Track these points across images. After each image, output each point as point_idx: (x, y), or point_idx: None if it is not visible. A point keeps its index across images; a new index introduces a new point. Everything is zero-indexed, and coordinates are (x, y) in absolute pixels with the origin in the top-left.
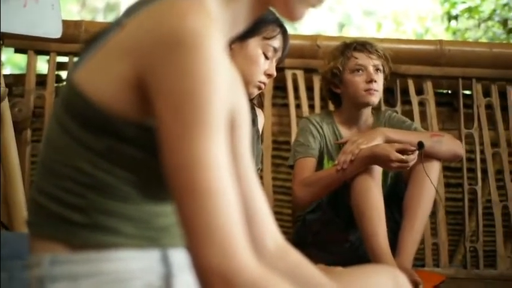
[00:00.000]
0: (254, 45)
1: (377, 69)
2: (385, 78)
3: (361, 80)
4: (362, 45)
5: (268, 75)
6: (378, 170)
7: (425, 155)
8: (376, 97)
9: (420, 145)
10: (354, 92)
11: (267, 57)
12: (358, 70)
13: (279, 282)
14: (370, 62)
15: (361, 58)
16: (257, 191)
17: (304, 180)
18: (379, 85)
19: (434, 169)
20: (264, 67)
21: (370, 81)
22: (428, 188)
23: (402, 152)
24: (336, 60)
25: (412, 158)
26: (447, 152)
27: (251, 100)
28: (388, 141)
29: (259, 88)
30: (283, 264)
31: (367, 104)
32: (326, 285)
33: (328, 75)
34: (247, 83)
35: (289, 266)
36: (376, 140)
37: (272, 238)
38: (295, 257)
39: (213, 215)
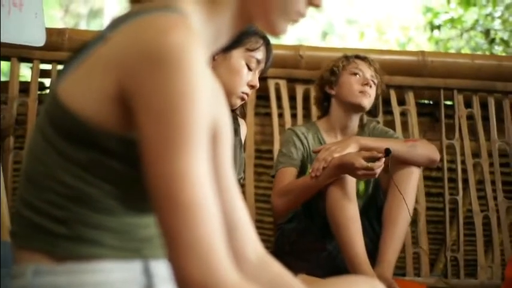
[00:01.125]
0: (237, 56)
1: (372, 81)
2: (376, 98)
3: (357, 83)
4: (364, 57)
5: (251, 87)
6: (351, 179)
7: (402, 162)
8: (369, 101)
9: (387, 152)
10: (348, 92)
11: (250, 69)
12: (356, 74)
13: None
14: (368, 71)
15: (361, 65)
16: (238, 202)
17: (281, 189)
18: (372, 91)
19: (413, 176)
20: (247, 78)
21: (366, 83)
22: (407, 197)
23: (369, 159)
24: (336, 62)
25: (379, 165)
26: (422, 157)
27: (234, 110)
28: (363, 148)
29: (242, 99)
30: (264, 275)
31: (358, 106)
32: None
33: (326, 74)
34: (230, 94)
35: (270, 277)
36: (349, 148)
37: (253, 249)
38: (276, 268)
39: (195, 229)
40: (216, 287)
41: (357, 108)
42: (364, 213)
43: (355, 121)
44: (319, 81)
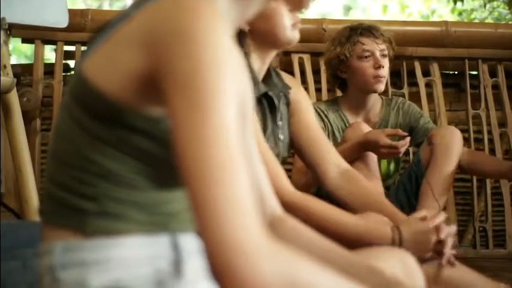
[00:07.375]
0: None
1: (383, 55)
2: (390, 61)
3: (369, 66)
4: (368, 30)
5: None
6: (373, 156)
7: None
8: (383, 84)
9: (411, 131)
10: (362, 78)
11: None
12: (365, 56)
13: (293, 256)
14: (377, 47)
15: (368, 44)
16: (258, 165)
17: (302, 167)
18: (385, 70)
19: (457, 140)
20: None
21: (379, 67)
22: (451, 167)
23: (394, 138)
24: (342, 47)
25: (403, 144)
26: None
27: None
28: None
29: None
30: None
31: (374, 91)
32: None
33: (334, 61)
34: None
35: (287, 231)
36: None
37: (271, 209)
38: (292, 222)
39: (227, 190)
40: (255, 249)
41: (373, 92)
42: (401, 189)
43: (374, 97)
44: (328, 66)
